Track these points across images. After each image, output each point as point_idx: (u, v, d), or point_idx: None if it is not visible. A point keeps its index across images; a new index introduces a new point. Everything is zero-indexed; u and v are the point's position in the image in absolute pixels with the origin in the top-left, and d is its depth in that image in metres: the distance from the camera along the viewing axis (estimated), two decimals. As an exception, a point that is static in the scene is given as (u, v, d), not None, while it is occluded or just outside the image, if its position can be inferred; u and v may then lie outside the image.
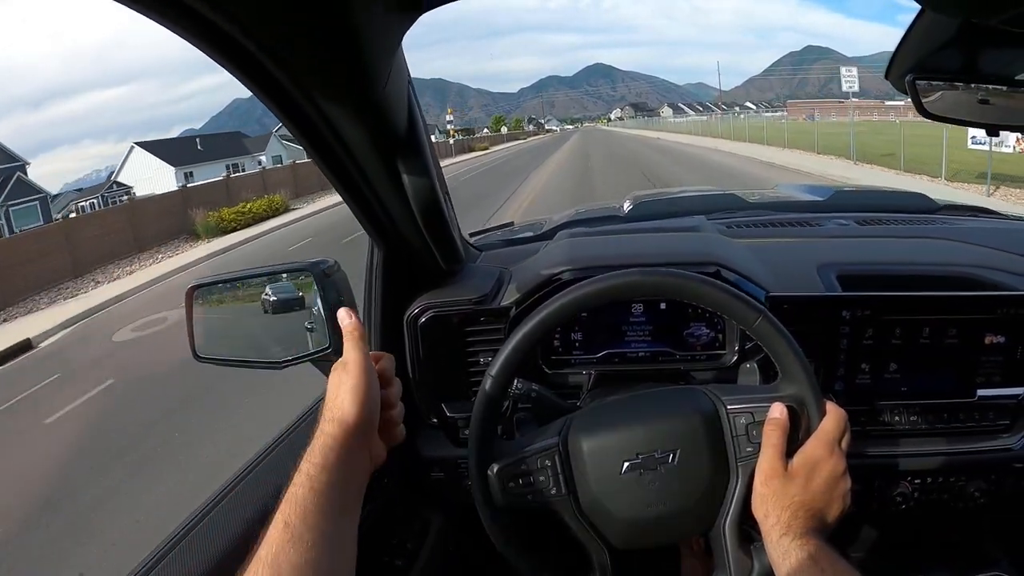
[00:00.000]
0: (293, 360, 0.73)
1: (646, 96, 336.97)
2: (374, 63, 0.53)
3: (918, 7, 0.56)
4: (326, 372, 0.65)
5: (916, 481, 0.91)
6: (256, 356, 0.79)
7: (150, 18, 0.44)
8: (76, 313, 9.15)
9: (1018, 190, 8.98)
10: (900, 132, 12.50)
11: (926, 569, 1.09)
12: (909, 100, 0.70)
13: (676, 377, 0.93)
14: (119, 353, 6.88)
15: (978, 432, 0.91)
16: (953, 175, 10.28)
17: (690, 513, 0.68)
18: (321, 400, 0.62)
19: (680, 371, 0.93)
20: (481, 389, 0.70)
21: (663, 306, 0.94)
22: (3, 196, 26.20)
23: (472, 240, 1.22)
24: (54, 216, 25.87)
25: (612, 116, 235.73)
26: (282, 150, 40.92)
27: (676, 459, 0.67)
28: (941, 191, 8.92)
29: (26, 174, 29.04)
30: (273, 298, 0.76)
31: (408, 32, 0.55)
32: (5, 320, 9.81)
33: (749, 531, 0.67)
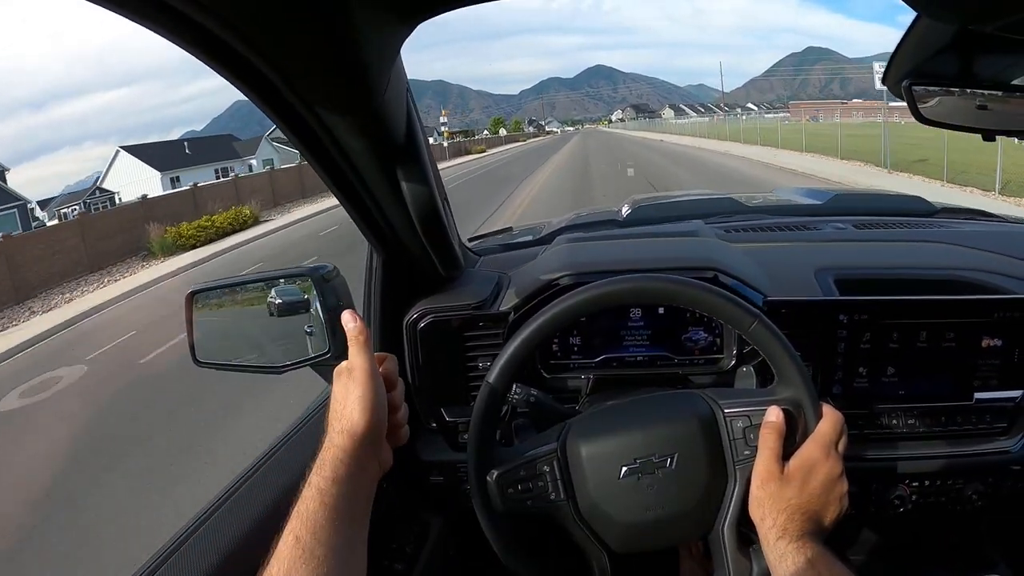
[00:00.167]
0: (292, 365, 0.73)
1: (647, 98, 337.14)
2: (374, 72, 0.54)
3: None
4: (326, 376, 0.65)
5: (914, 484, 0.91)
6: (255, 361, 0.79)
7: (150, 29, 0.44)
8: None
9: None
10: (927, 135, 10.12)
11: (924, 572, 1.09)
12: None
13: (674, 381, 0.93)
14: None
15: (976, 435, 0.92)
16: (1003, 186, 8.26)
17: (689, 517, 0.68)
18: (324, 407, 0.62)
19: (678, 375, 0.94)
20: (480, 395, 0.70)
21: (661, 311, 0.94)
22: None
23: (471, 245, 1.23)
24: (47, 221, 24.99)
25: (613, 118, 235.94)
26: (273, 153, 39.77)
27: (674, 463, 0.67)
28: (999, 207, 6.59)
29: (5, 181, 27.69)
30: (278, 301, 0.76)
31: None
32: None
33: (748, 534, 0.67)
